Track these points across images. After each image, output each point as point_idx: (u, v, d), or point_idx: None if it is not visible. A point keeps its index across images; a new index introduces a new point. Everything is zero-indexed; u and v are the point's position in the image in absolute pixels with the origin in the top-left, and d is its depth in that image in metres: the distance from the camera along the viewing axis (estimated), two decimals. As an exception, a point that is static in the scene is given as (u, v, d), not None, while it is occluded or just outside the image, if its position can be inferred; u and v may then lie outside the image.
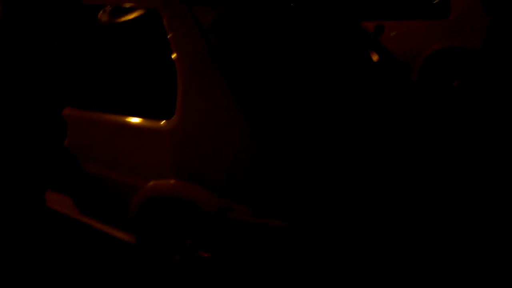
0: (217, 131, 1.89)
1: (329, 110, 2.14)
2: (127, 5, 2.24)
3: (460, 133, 2.82)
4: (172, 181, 1.99)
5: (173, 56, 1.99)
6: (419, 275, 2.08)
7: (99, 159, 2.28)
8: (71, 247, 2.67)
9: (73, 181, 2.44)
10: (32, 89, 2.70)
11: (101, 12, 2.35)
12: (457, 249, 2.22)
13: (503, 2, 5.05)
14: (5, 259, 2.55)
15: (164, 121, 1.99)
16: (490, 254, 2.14)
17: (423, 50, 5.35)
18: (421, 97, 3.00)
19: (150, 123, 2.05)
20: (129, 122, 2.13)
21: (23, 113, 2.71)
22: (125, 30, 2.25)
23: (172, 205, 2.04)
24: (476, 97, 5.09)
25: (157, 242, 2.18)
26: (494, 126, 4.13)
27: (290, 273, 1.89)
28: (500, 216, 2.44)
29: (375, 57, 2.75)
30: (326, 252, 1.87)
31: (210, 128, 1.90)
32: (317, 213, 1.82)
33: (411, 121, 2.41)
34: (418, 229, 2.09)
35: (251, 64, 2.13)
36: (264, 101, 1.94)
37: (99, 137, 2.27)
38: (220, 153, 1.87)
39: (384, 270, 2.03)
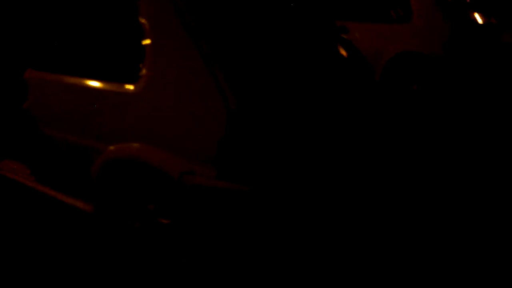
0: (184, 97, 1.88)
1: (295, 86, 2.18)
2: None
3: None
4: (136, 145, 1.97)
5: (142, 20, 1.97)
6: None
7: (60, 123, 2.23)
8: (26, 216, 2.59)
9: (31, 144, 2.37)
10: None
11: None
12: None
13: (460, 9, 5.33)
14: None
15: (129, 85, 1.97)
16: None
17: (384, 53, 5.55)
18: (382, 98, 3.07)
19: (115, 87, 2.03)
20: (94, 85, 2.09)
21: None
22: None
23: (135, 169, 2.02)
24: (435, 102, 5.27)
25: (117, 209, 2.15)
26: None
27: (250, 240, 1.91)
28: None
29: (343, 52, 2.81)
30: (287, 217, 1.91)
31: (177, 94, 1.89)
32: (280, 178, 1.86)
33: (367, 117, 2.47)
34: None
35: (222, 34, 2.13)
36: (235, 71, 1.95)
37: (61, 100, 2.22)
38: (185, 119, 1.87)
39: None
